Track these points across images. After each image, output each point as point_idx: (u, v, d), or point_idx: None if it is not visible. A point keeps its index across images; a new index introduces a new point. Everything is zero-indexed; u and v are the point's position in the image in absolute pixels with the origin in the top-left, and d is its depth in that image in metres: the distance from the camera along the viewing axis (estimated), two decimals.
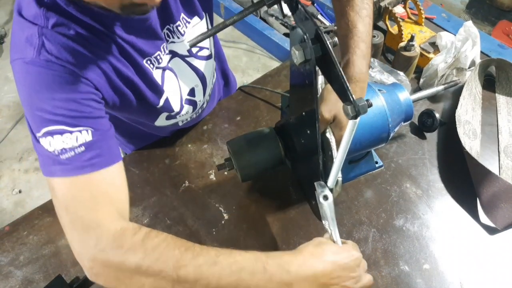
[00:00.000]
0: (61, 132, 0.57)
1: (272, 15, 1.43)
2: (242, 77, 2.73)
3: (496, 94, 1.04)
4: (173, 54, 0.79)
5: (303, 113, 0.64)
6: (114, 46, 0.66)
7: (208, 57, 0.88)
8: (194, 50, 0.84)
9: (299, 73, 0.62)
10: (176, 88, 0.82)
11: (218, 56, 1.04)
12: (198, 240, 0.81)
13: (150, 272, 0.52)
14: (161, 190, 0.89)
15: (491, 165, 0.90)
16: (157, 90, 0.77)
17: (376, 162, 0.87)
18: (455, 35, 1.02)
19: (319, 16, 1.27)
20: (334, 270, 0.56)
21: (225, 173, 0.90)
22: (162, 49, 0.75)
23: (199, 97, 0.90)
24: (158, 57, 0.74)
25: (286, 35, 1.42)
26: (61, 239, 0.83)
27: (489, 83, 1.06)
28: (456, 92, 1.00)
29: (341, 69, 0.51)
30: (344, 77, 0.51)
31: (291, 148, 0.74)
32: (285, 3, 0.62)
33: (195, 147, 0.97)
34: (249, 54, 2.87)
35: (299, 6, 0.57)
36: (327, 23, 1.24)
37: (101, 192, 0.58)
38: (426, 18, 1.17)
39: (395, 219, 0.83)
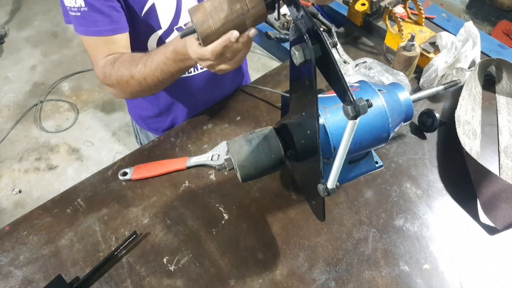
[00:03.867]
0: None
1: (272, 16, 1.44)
2: None
3: (496, 94, 1.04)
4: None
5: (303, 113, 0.64)
6: None
7: None
8: None
9: (299, 73, 0.62)
10: (172, 7, 0.88)
11: None
12: (198, 240, 0.81)
13: (123, 81, 0.84)
14: (161, 190, 0.89)
15: (491, 165, 0.90)
16: None
17: (376, 162, 0.87)
18: (455, 35, 1.02)
19: (319, 16, 1.26)
20: None
21: (225, 173, 0.90)
22: None
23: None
24: None
25: (286, 35, 1.41)
26: (61, 239, 0.83)
27: (489, 83, 1.06)
28: (456, 92, 1.00)
29: (341, 70, 0.51)
30: (344, 77, 0.51)
31: (291, 148, 0.74)
32: (284, 3, 0.62)
33: (195, 147, 0.97)
34: (249, 54, 2.85)
35: (299, 6, 0.57)
36: (327, 23, 1.24)
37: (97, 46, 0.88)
38: (426, 18, 1.17)
39: (395, 219, 0.83)
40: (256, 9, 0.64)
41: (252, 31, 0.66)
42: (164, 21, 0.90)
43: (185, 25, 0.70)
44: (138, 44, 0.93)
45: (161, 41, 0.94)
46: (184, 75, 1.03)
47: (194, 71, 1.03)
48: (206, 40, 0.65)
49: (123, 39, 0.87)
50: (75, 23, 0.85)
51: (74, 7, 0.82)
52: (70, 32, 3.01)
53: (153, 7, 0.87)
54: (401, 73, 0.98)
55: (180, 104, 1.10)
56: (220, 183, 0.90)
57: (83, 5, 0.81)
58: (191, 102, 1.11)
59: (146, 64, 0.80)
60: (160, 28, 0.91)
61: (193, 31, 0.64)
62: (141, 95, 0.90)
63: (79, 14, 0.82)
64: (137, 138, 1.30)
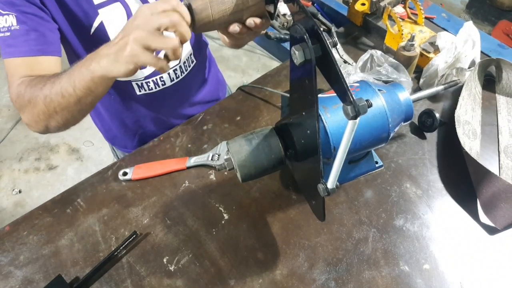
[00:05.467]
0: None
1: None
2: (242, 77, 2.74)
3: (496, 94, 1.04)
4: None
5: (303, 113, 0.64)
6: None
7: None
8: None
9: (299, 73, 0.62)
10: (122, 24, 0.84)
11: (199, 45, 1.08)
12: (198, 240, 0.81)
13: (33, 97, 0.75)
14: (161, 190, 0.89)
15: (491, 165, 0.90)
16: (88, 6, 0.81)
17: (376, 162, 0.87)
18: (455, 35, 1.02)
19: (319, 16, 1.27)
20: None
21: (225, 173, 0.90)
22: None
23: None
24: None
25: (286, 35, 1.42)
26: (61, 239, 0.83)
27: (489, 83, 1.06)
28: (456, 92, 1.00)
29: (341, 69, 0.51)
30: (344, 77, 0.51)
31: (291, 148, 0.74)
32: (285, 3, 0.62)
33: (195, 147, 0.97)
34: (249, 54, 2.87)
35: (299, 6, 0.57)
36: (327, 23, 1.24)
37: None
38: (426, 18, 1.17)
39: (395, 219, 0.83)
40: (257, 6, 0.64)
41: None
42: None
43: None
44: None
45: None
46: (145, 92, 1.00)
47: (155, 88, 1.01)
48: (201, 28, 0.65)
49: (51, 63, 0.79)
50: (3, 45, 0.77)
51: (3, 26, 0.75)
52: None
53: (101, 25, 0.84)
54: (403, 74, 0.97)
55: (146, 120, 1.09)
56: (220, 183, 0.90)
57: (14, 23, 0.75)
58: (158, 119, 1.09)
59: (59, 75, 0.72)
60: None
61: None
62: (50, 125, 0.78)
63: (8, 34, 0.76)
64: (114, 156, 1.29)
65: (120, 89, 0.99)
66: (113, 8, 0.84)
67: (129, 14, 0.86)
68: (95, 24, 0.84)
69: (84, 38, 0.86)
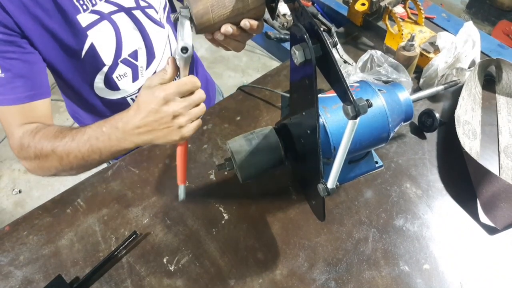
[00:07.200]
0: None
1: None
2: (242, 77, 2.73)
3: (496, 94, 1.04)
4: (120, 7, 0.82)
5: (303, 113, 0.64)
6: None
7: (158, 23, 0.90)
8: (142, 3, 0.88)
9: (299, 73, 0.62)
10: (112, 41, 0.84)
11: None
12: (198, 240, 0.81)
13: (42, 155, 0.75)
14: (161, 190, 0.89)
15: (491, 165, 0.90)
16: (77, 30, 0.79)
17: (376, 162, 0.87)
18: (455, 35, 1.02)
19: (319, 16, 1.27)
20: (146, 118, 0.65)
21: (225, 173, 0.90)
22: None
23: (141, 63, 0.91)
24: (93, 0, 0.79)
25: (286, 35, 1.42)
26: (61, 239, 0.83)
27: (489, 83, 1.06)
28: (456, 92, 1.00)
29: (341, 69, 0.51)
30: (344, 77, 0.51)
31: (291, 148, 0.74)
32: (285, 3, 0.62)
33: (195, 147, 0.97)
34: (249, 54, 2.87)
35: (300, 6, 0.57)
36: (327, 23, 1.24)
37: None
38: (426, 18, 1.17)
39: (395, 219, 0.83)
40: (257, 9, 0.64)
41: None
42: (107, 57, 0.86)
43: (180, 9, 0.63)
44: (84, 86, 0.90)
45: (107, 78, 0.90)
46: (129, 94, 0.99)
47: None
48: (201, 31, 0.65)
49: (43, 106, 0.78)
50: None
51: None
52: None
53: (92, 46, 0.82)
54: (403, 74, 0.97)
55: None
56: (220, 183, 0.90)
57: None
58: None
59: (74, 137, 0.71)
60: (104, 65, 0.87)
61: (188, 19, 0.64)
62: (59, 175, 0.80)
63: None
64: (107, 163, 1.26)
65: (117, 109, 0.98)
66: (101, 28, 0.82)
67: (116, 30, 0.85)
68: (86, 46, 0.82)
69: (75, 63, 0.84)
